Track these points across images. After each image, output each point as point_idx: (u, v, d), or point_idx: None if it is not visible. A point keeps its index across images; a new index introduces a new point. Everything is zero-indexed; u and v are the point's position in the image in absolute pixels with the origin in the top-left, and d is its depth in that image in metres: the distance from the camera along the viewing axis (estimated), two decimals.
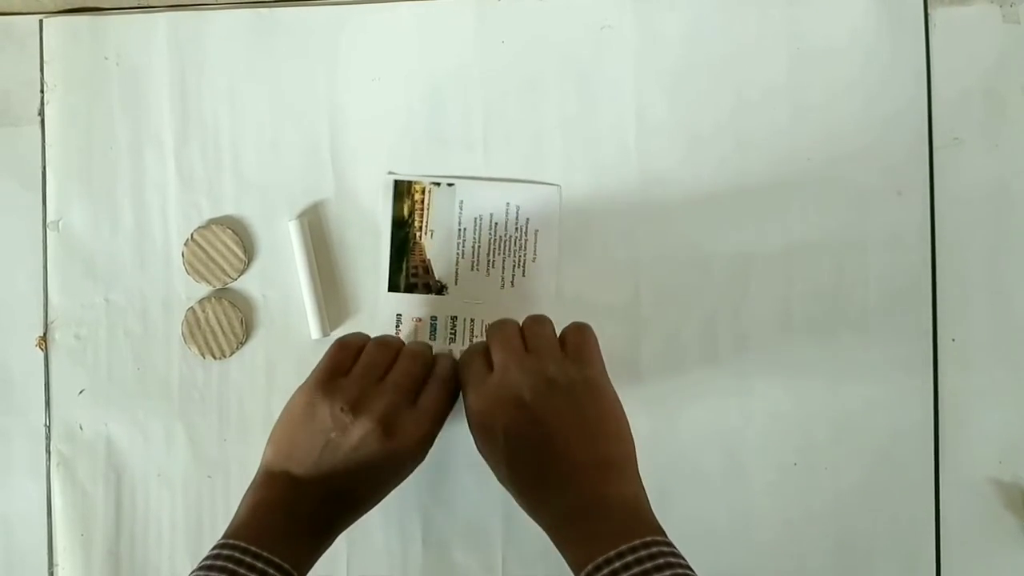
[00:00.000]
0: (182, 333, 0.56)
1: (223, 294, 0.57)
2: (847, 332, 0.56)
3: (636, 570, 0.40)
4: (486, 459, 0.47)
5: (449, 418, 0.57)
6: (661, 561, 0.40)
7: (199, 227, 0.56)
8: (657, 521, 0.44)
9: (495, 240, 0.56)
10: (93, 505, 0.57)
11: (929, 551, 0.55)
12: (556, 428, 0.44)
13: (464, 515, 0.57)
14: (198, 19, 0.57)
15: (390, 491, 0.50)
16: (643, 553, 0.40)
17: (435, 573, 0.56)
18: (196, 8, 0.57)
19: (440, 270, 0.56)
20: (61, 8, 0.57)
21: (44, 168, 0.57)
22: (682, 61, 0.56)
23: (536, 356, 0.46)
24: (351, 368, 0.48)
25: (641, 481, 0.45)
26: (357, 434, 0.46)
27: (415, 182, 0.55)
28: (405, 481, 0.56)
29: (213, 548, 0.44)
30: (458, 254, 0.56)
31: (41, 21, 0.57)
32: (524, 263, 0.56)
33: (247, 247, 0.56)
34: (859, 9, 0.56)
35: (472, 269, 0.56)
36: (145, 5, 0.57)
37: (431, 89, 0.57)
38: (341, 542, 0.56)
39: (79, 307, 0.57)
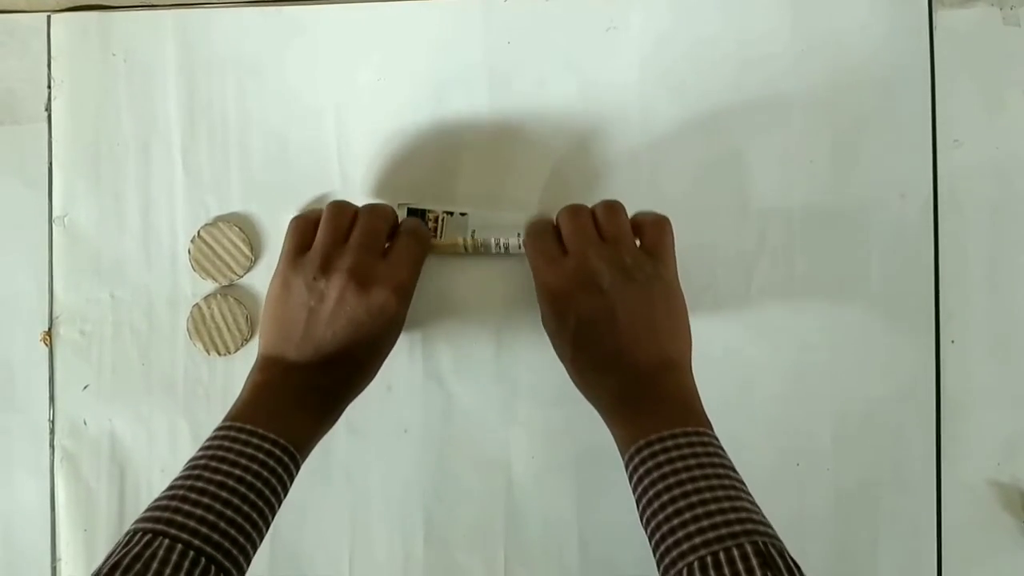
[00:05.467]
0: (187, 329, 0.56)
1: (229, 291, 0.57)
2: (849, 334, 0.56)
3: (686, 451, 0.41)
4: (552, 336, 0.49)
5: (449, 416, 0.57)
6: (711, 448, 0.42)
7: (206, 224, 0.56)
8: (707, 417, 0.45)
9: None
10: (97, 501, 0.57)
11: (930, 551, 0.56)
12: (626, 319, 0.46)
13: (466, 515, 0.57)
14: (205, 16, 0.57)
15: (382, 354, 0.50)
16: (695, 439, 0.42)
17: (437, 573, 0.56)
18: (203, 6, 0.57)
19: None
20: (68, 5, 0.58)
21: (50, 164, 0.57)
22: (687, 63, 0.56)
23: (614, 246, 0.47)
24: (313, 241, 0.49)
25: (694, 378, 0.47)
26: (333, 295, 0.47)
27: (428, 210, 0.55)
28: (407, 479, 0.56)
29: (212, 432, 0.45)
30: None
31: (49, 18, 0.57)
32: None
33: (254, 245, 0.56)
34: (864, 11, 0.56)
35: None
36: (152, 3, 0.57)
37: (437, 88, 0.57)
38: (344, 540, 0.56)
39: (84, 303, 0.57)
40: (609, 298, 0.46)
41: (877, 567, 0.56)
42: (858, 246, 0.56)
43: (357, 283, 0.47)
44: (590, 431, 0.56)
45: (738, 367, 0.56)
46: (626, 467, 0.44)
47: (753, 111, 0.56)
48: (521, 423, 0.56)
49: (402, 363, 0.56)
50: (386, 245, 0.50)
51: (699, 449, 0.42)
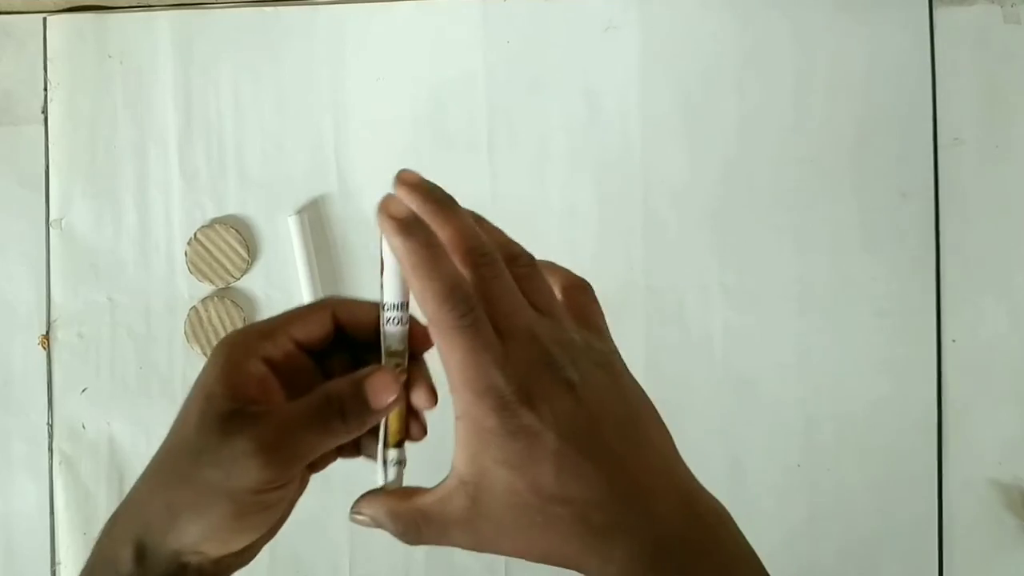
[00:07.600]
0: (185, 332, 0.56)
1: (226, 293, 0.57)
2: (852, 334, 0.56)
3: None
4: (515, 477, 0.29)
5: (448, 416, 0.56)
6: None
7: (202, 226, 0.56)
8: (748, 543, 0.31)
9: None
10: (96, 504, 0.57)
11: (932, 551, 0.56)
12: (612, 425, 0.30)
13: None
14: (201, 18, 0.57)
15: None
16: None
17: (437, 573, 0.57)
18: (199, 7, 0.57)
19: None
20: (64, 7, 0.57)
21: (47, 167, 0.57)
22: (687, 63, 0.56)
23: (553, 320, 0.31)
24: None
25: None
26: None
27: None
28: (406, 479, 0.56)
29: None
30: None
31: (44, 20, 0.57)
32: None
33: (250, 246, 0.56)
34: (865, 10, 0.56)
35: None
36: (148, 4, 0.57)
37: (435, 89, 0.57)
38: (344, 540, 0.56)
39: (82, 306, 0.57)
40: (582, 395, 0.29)
41: (879, 566, 0.56)
42: (859, 245, 0.56)
43: None
44: None
45: (739, 368, 0.56)
46: None
47: (753, 110, 0.56)
48: None
49: None
50: None
51: None
